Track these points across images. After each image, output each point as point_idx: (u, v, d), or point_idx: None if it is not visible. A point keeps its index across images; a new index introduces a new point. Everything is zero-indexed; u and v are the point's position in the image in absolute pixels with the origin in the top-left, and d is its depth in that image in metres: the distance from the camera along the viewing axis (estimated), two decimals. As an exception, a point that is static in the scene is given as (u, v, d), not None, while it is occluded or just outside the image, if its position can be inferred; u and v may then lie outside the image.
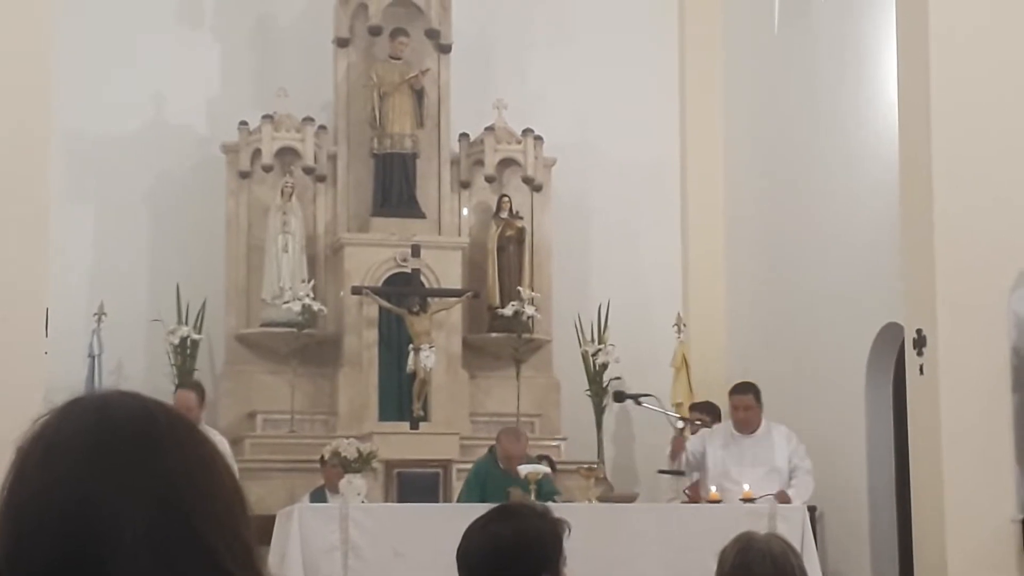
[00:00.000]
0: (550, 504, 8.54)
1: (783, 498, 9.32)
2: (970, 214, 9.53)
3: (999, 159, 9.57)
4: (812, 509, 9.66)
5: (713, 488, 9.37)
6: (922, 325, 9.64)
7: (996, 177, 9.55)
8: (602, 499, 9.93)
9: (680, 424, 9.72)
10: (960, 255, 9.51)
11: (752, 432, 9.69)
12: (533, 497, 8.58)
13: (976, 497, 9.36)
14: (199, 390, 10.37)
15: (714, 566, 3.57)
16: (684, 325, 12.95)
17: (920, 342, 9.62)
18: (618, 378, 13.16)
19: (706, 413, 10.86)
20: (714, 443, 9.78)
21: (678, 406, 12.60)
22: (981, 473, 9.37)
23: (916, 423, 9.72)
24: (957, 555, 9.34)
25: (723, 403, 11.75)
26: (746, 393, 9.79)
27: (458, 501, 9.67)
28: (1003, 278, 9.54)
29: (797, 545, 8.73)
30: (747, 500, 9.23)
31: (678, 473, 9.66)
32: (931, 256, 9.58)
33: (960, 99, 9.64)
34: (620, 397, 9.81)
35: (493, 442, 10.06)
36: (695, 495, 9.84)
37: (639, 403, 9.71)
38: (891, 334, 10.72)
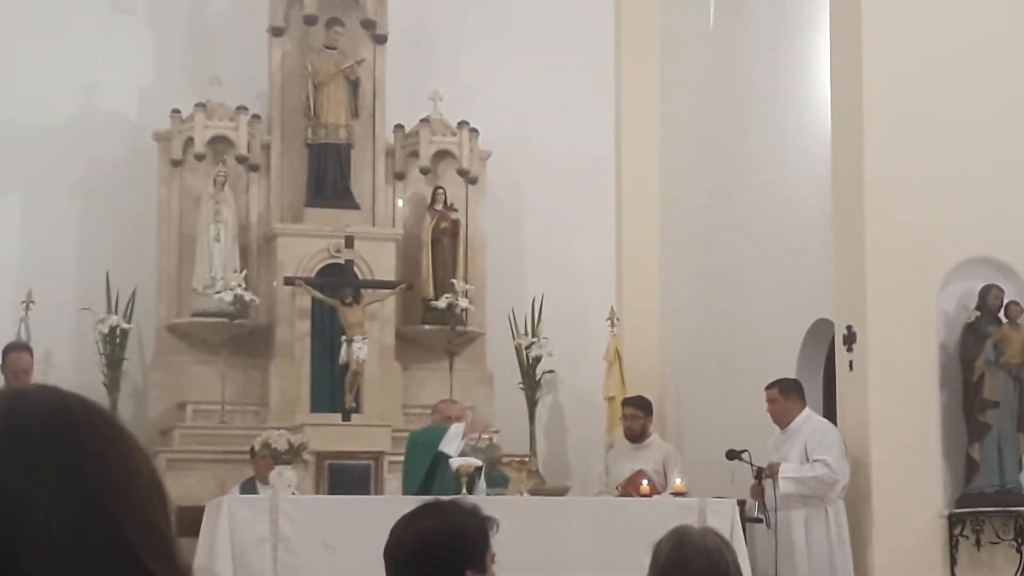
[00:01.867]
0: (483, 497, 8.55)
1: (773, 469, 9.51)
2: (901, 213, 9.62)
3: (930, 158, 9.67)
4: (741, 503, 9.72)
5: (678, 479, 9.50)
6: (852, 321, 9.73)
7: (927, 176, 9.65)
8: (534, 492, 9.95)
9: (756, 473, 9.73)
10: (890, 253, 9.61)
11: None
12: (465, 491, 8.56)
13: (904, 492, 9.46)
14: (31, 351, 10.25)
15: (645, 559, 3.57)
16: (617, 319, 12.98)
17: (850, 338, 9.71)
18: (551, 371, 13.18)
19: (638, 408, 10.93)
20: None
21: (610, 400, 12.64)
22: (909, 469, 9.47)
23: (845, 418, 9.80)
24: (885, 550, 9.44)
25: (656, 398, 11.82)
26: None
27: (405, 472, 9.61)
28: (932, 276, 9.65)
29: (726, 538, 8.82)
30: (678, 494, 9.29)
31: (759, 520, 9.72)
32: (862, 254, 9.66)
33: (892, 97, 9.73)
34: (732, 455, 9.87)
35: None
36: (626, 491, 9.89)
37: (742, 459, 9.76)
38: (822, 330, 10.80)
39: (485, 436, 9.75)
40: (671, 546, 3.49)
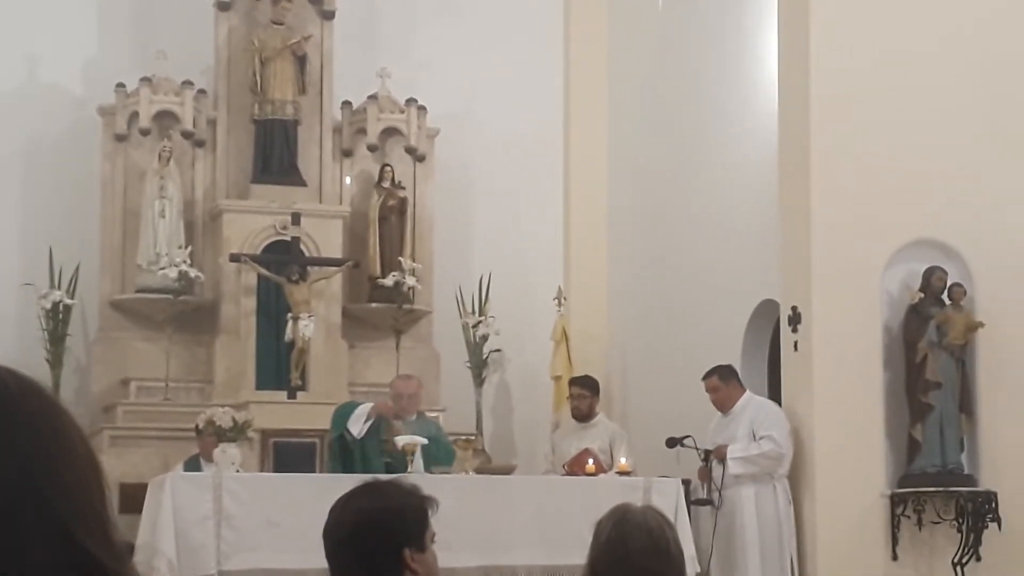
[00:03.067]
0: (429, 475, 8.55)
1: (720, 452, 9.60)
2: (846, 195, 9.68)
3: (876, 141, 9.72)
4: (686, 483, 9.77)
5: (623, 459, 9.55)
6: (797, 302, 9.78)
7: (872, 158, 9.71)
8: (480, 470, 9.96)
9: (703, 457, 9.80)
10: (835, 234, 9.66)
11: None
12: (411, 468, 8.56)
13: (847, 472, 9.53)
14: None
15: (589, 537, 3.57)
16: (565, 298, 13.00)
17: (795, 319, 9.76)
18: (498, 350, 13.18)
19: (586, 388, 10.95)
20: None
21: (557, 379, 12.66)
22: (852, 449, 9.55)
23: (789, 399, 9.87)
24: (827, 529, 9.51)
25: (602, 378, 11.85)
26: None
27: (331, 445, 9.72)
28: (877, 258, 9.72)
29: (671, 517, 8.87)
30: (623, 473, 9.33)
31: (709, 502, 9.77)
32: (807, 235, 9.71)
33: (839, 79, 9.77)
34: (672, 443, 9.95)
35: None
36: (572, 470, 9.92)
37: (684, 445, 9.83)
38: (767, 311, 10.86)
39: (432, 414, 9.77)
40: (612, 524, 3.49)
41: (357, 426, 9.19)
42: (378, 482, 3.55)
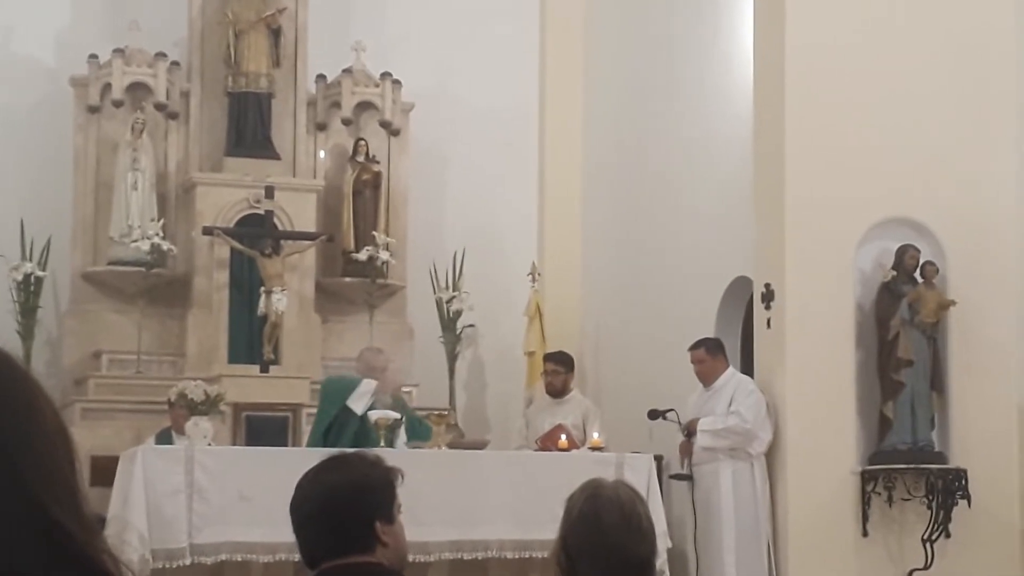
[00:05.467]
0: (402, 451, 8.55)
1: (692, 426, 9.66)
2: (820, 172, 9.69)
3: (850, 118, 9.73)
4: (659, 459, 9.79)
5: (596, 434, 9.57)
6: (771, 279, 9.80)
7: (846, 135, 9.72)
8: (453, 445, 9.96)
9: (687, 431, 9.80)
10: (809, 212, 9.68)
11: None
12: (384, 444, 8.55)
13: (818, 449, 9.57)
14: None
15: (562, 513, 3.57)
16: (539, 274, 12.99)
17: (768, 296, 9.78)
18: (471, 326, 13.18)
19: (560, 363, 10.95)
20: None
21: (530, 355, 12.67)
22: (823, 426, 9.58)
23: (762, 375, 9.89)
24: (798, 506, 9.55)
25: (576, 353, 11.85)
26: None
27: (316, 416, 9.56)
28: (850, 235, 9.74)
29: (643, 493, 8.89)
30: (595, 449, 9.34)
31: (687, 477, 9.79)
32: (781, 212, 9.72)
33: (814, 56, 9.77)
34: (654, 415, 9.96)
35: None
36: (545, 445, 9.92)
37: (666, 418, 9.84)
38: (741, 288, 10.88)
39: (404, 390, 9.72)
40: (584, 499, 3.49)
41: (360, 403, 9.12)
42: (344, 455, 3.57)
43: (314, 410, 10.71)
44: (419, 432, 9.23)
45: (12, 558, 1.32)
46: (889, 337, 9.59)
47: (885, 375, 9.60)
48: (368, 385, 9.18)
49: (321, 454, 3.71)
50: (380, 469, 3.41)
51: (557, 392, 10.78)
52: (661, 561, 8.81)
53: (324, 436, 9.08)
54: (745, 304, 10.80)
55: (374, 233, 12.61)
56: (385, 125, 12.92)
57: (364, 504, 3.33)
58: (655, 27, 12.36)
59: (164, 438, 10.00)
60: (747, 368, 10.37)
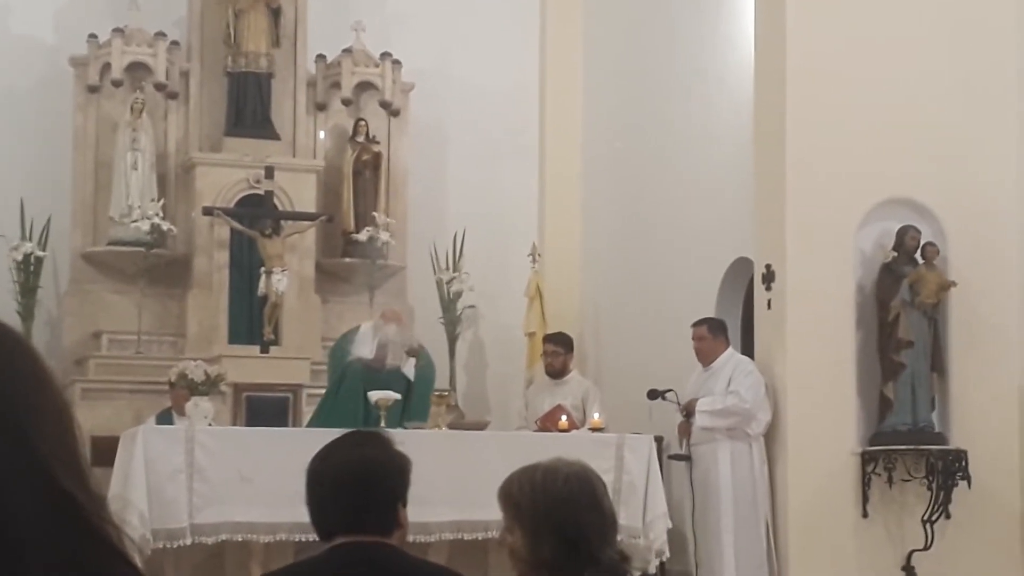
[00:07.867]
0: (401, 431, 8.55)
1: (690, 406, 9.66)
2: (821, 153, 9.67)
3: (851, 98, 9.71)
4: (659, 439, 9.79)
5: (596, 415, 9.58)
6: (771, 260, 9.79)
7: (847, 116, 9.70)
8: (453, 426, 9.97)
9: (685, 412, 9.81)
10: (810, 193, 9.66)
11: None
12: (384, 424, 8.55)
13: (818, 430, 9.57)
14: None
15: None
16: (539, 255, 12.98)
17: (769, 277, 9.77)
18: (472, 306, 13.17)
19: (560, 344, 10.95)
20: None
21: (531, 336, 12.66)
22: (823, 406, 9.58)
23: (762, 356, 9.89)
24: (798, 487, 9.55)
25: (576, 334, 11.85)
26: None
27: (331, 374, 9.54)
28: (851, 216, 9.72)
29: (643, 475, 8.90)
30: (595, 429, 9.34)
31: (686, 458, 9.79)
32: (782, 193, 9.71)
33: (814, 37, 9.75)
34: (653, 395, 9.96)
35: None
36: (545, 425, 9.93)
37: (665, 398, 9.85)
38: (741, 268, 10.86)
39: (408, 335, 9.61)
40: (541, 475, 3.33)
41: (366, 347, 9.04)
42: (378, 434, 3.59)
43: (314, 390, 10.75)
44: (420, 407, 9.21)
45: (19, 525, 1.31)
46: (890, 318, 9.58)
47: (885, 356, 9.59)
48: (365, 326, 9.17)
49: (327, 433, 3.71)
50: (404, 456, 3.43)
51: (557, 373, 10.78)
52: (660, 542, 8.82)
53: (335, 393, 9.01)
54: (746, 285, 10.79)
55: (374, 214, 12.60)
56: (385, 105, 12.89)
57: (395, 483, 3.36)
58: (656, 7, 12.32)
59: (164, 418, 10.00)
60: (747, 349, 10.37)
